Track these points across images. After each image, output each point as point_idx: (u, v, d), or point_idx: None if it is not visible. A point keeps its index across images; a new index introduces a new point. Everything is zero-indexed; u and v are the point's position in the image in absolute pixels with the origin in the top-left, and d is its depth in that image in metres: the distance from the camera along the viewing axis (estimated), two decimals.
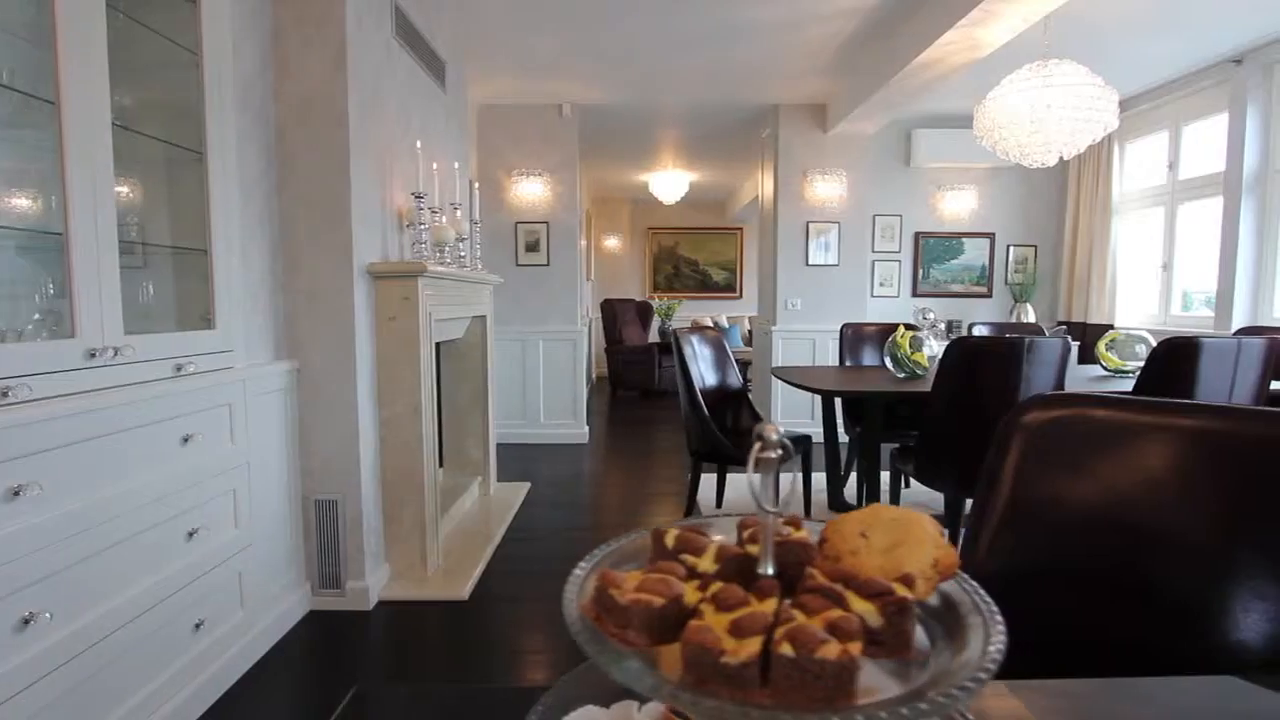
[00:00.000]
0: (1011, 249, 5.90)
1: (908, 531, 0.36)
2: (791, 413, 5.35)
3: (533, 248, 5.28)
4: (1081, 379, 3.25)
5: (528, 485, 4.12)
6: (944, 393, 2.68)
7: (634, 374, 7.84)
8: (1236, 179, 4.28)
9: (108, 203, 1.62)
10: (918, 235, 5.88)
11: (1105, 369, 3.38)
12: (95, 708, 1.57)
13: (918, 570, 0.33)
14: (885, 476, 3.21)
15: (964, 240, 5.89)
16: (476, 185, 3.91)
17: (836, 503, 3.67)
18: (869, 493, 3.17)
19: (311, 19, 2.38)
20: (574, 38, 3.98)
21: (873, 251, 5.85)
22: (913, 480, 3.61)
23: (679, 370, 3.25)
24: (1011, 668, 1.05)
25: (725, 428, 3.47)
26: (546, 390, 5.35)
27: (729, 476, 3.83)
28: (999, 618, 0.31)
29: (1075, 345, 5.38)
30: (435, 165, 3.14)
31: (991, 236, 5.89)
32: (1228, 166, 4.34)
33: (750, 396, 6.74)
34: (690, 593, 0.32)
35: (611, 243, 9.76)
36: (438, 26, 3.40)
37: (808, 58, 4.31)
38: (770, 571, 0.34)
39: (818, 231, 5.33)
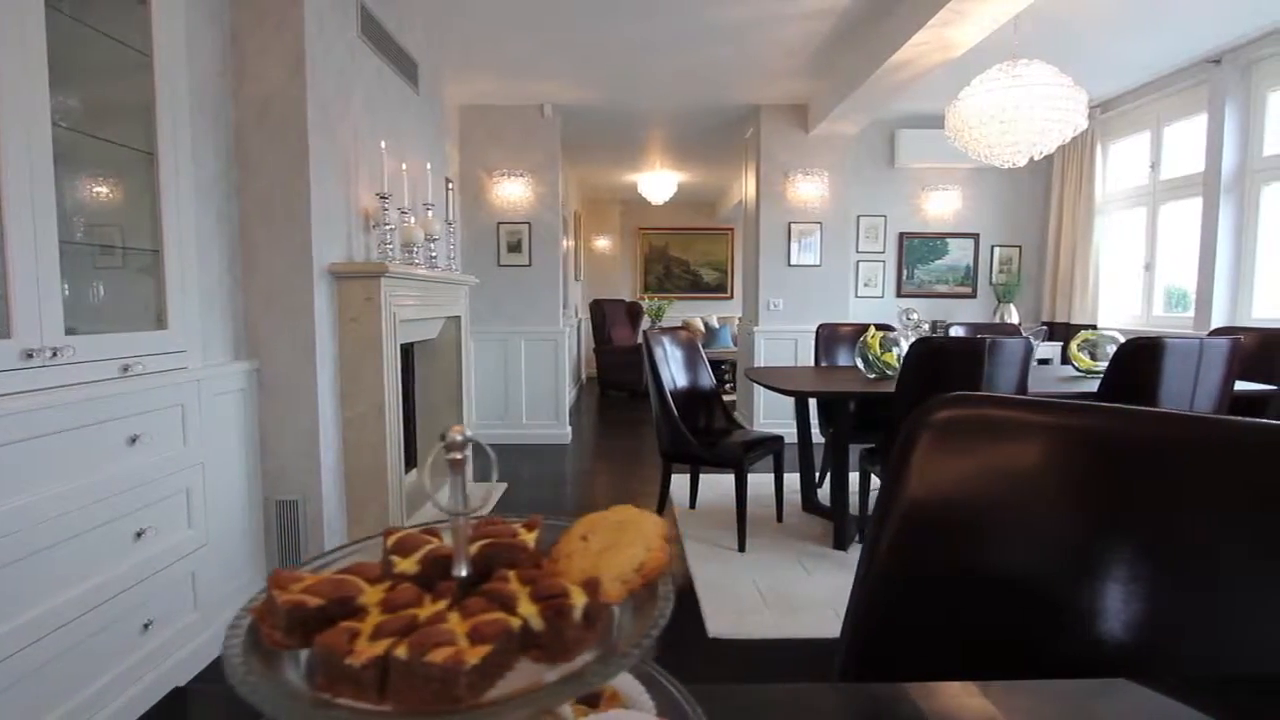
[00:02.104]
0: (996, 249, 5.90)
1: (623, 534, 0.36)
2: (773, 413, 5.35)
3: (515, 248, 5.28)
4: (1051, 379, 3.24)
5: (504, 486, 4.13)
6: (908, 393, 2.68)
7: (623, 374, 7.84)
8: (1215, 179, 4.27)
9: (47, 203, 1.62)
10: (902, 236, 5.87)
11: (1077, 369, 3.38)
12: (34, 707, 1.57)
13: (616, 573, 0.33)
14: (855, 477, 3.20)
15: (948, 241, 5.89)
16: (452, 186, 3.91)
17: (810, 504, 3.67)
18: (839, 494, 3.16)
19: (270, 20, 2.38)
20: (549, 38, 3.98)
21: (857, 252, 5.85)
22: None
23: (649, 372, 3.25)
24: (912, 666, 1.05)
25: (697, 429, 3.47)
26: (528, 390, 5.35)
27: (703, 477, 3.83)
28: (661, 623, 0.31)
29: (1058, 345, 5.39)
30: (405, 165, 3.15)
31: (976, 237, 5.88)
32: (1206, 167, 4.34)
33: (727, 398, 6.72)
34: (372, 594, 0.32)
35: (602, 243, 9.77)
36: (409, 27, 3.40)
37: (786, 58, 4.31)
38: (464, 573, 0.34)
39: (800, 232, 5.33)
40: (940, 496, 0.98)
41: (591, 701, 0.41)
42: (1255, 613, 0.74)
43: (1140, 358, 2.64)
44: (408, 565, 0.34)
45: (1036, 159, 3.22)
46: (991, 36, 3.42)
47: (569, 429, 5.47)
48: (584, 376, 9.14)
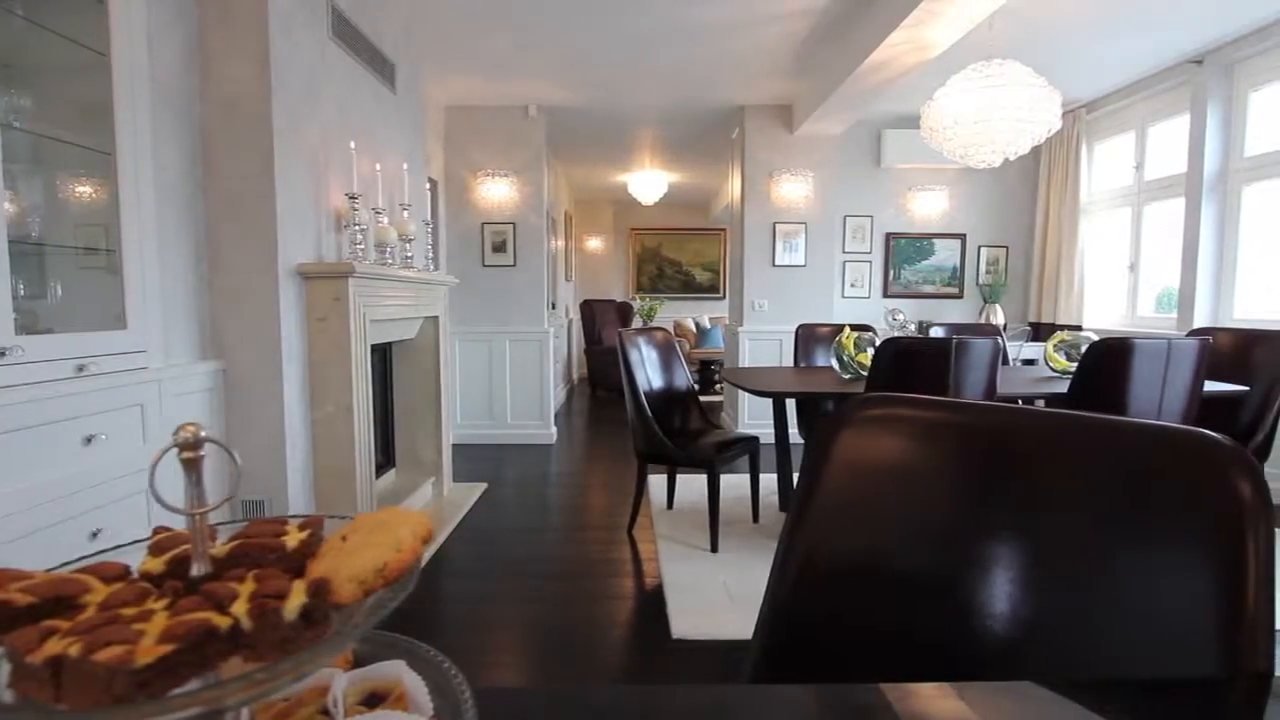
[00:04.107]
0: (983, 250, 5.89)
1: (377, 535, 0.36)
2: (758, 414, 5.34)
3: (499, 248, 5.28)
4: (1026, 379, 3.24)
5: (483, 486, 4.13)
6: (878, 392, 2.68)
7: (613, 374, 7.82)
8: (1197, 180, 4.27)
9: None
10: (888, 236, 5.87)
11: (1052, 370, 3.37)
12: None
13: (354, 574, 0.33)
14: None
15: (935, 241, 5.88)
16: (428, 186, 3.91)
17: (786, 504, 3.67)
18: None
19: (234, 21, 2.38)
20: (528, 38, 3.98)
21: (843, 252, 5.84)
22: None
23: (624, 373, 3.25)
24: (821, 665, 1.05)
25: (673, 429, 3.47)
26: (513, 391, 5.36)
27: (681, 478, 3.83)
28: (367, 623, 0.31)
29: (1043, 346, 5.37)
30: (379, 166, 3.15)
31: (962, 237, 5.88)
32: (1189, 167, 4.34)
33: (716, 398, 6.70)
34: (101, 593, 0.32)
35: (594, 244, 9.77)
36: (385, 28, 3.40)
37: (766, 58, 4.31)
38: (200, 572, 0.34)
39: (785, 232, 5.33)
40: (853, 495, 0.98)
41: (374, 703, 0.41)
42: (1141, 611, 0.74)
43: (1109, 359, 2.63)
44: (154, 564, 0.34)
45: (1011, 159, 3.22)
46: (974, 38, 3.42)
47: (554, 429, 5.47)
48: (575, 377, 9.14)
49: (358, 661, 0.45)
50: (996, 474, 0.84)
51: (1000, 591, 0.82)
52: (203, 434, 0.34)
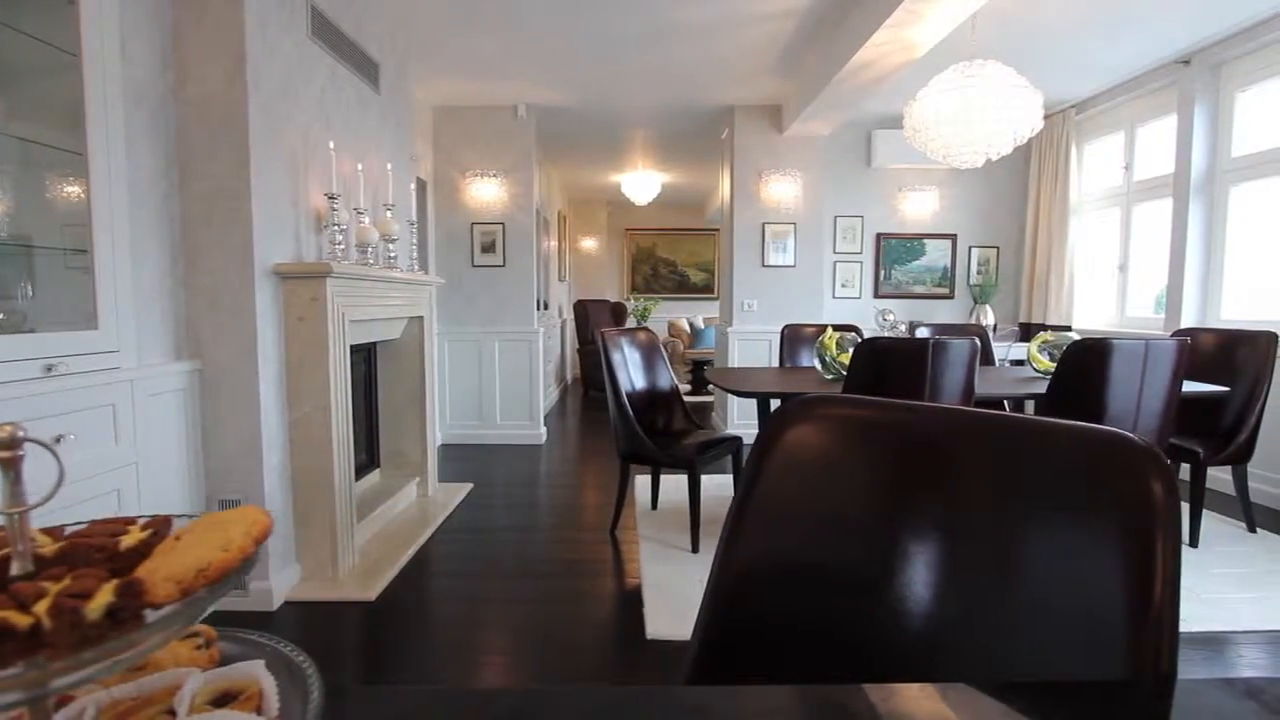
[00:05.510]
0: (974, 250, 5.89)
1: (210, 535, 0.36)
2: (747, 414, 5.35)
3: (489, 249, 5.28)
4: (1008, 380, 3.23)
5: (469, 486, 4.12)
6: (855, 393, 2.68)
7: None
8: (1185, 180, 4.26)
9: None
10: (879, 236, 5.87)
11: (1035, 370, 3.37)
12: None
13: (172, 573, 0.33)
14: None
15: (926, 241, 5.88)
16: (415, 186, 3.91)
17: None
18: None
19: (209, 20, 2.38)
20: (516, 39, 3.98)
21: (834, 252, 5.84)
22: None
23: (606, 374, 3.24)
24: (758, 664, 1.04)
25: (656, 429, 3.47)
26: (502, 391, 5.36)
27: (666, 478, 3.83)
28: (166, 621, 0.31)
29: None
30: (361, 166, 3.15)
31: (953, 238, 5.87)
32: (1176, 168, 4.33)
33: (706, 399, 6.71)
34: None
35: (588, 244, 9.77)
36: (369, 28, 3.40)
37: (754, 58, 4.31)
38: (21, 571, 0.34)
39: (774, 233, 5.33)
40: (790, 495, 0.98)
41: (226, 703, 0.41)
42: (1060, 611, 0.74)
43: (1086, 360, 2.63)
44: None
45: (993, 159, 3.21)
46: (962, 39, 3.42)
47: (543, 429, 5.47)
48: (569, 377, 9.14)
49: (223, 661, 0.45)
50: (925, 474, 0.84)
51: (926, 591, 0.82)
52: (20, 434, 0.34)
